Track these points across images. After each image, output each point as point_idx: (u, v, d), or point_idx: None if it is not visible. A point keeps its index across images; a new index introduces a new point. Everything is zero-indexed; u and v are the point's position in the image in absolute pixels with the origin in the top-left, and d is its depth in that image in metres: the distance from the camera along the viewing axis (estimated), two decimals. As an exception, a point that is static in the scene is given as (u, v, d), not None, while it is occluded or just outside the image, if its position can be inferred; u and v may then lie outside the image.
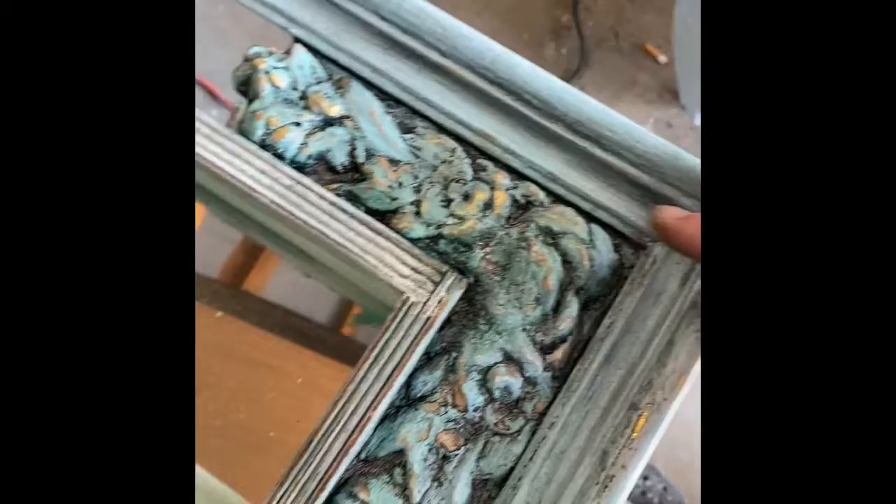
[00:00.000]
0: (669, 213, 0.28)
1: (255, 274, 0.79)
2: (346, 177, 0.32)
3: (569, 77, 1.39)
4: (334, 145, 0.32)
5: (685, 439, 1.03)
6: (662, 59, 1.40)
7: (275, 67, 0.32)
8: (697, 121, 1.11)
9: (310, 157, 0.31)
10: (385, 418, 0.29)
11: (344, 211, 0.30)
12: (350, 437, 0.28)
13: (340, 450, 0.28)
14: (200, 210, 0.51)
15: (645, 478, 1.09)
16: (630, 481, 0.27)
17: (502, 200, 0.31)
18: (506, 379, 0.29)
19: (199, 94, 1.18)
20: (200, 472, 0.43)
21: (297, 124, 0.31)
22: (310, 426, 0.28)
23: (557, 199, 0.31)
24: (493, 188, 0.31)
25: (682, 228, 0.27)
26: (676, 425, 0.25)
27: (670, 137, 1.36)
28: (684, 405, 0.28)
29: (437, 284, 0.29)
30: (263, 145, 0.31)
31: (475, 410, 0.29)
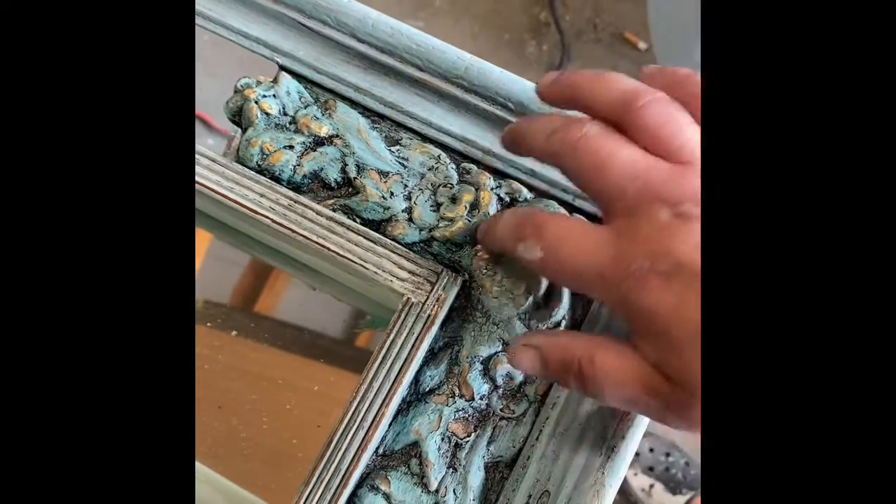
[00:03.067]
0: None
1: (265, 295, 0.81)
2: (341, 192, 0.34)
3: (552, 72, 1.41)
4: (326, 163, 0.34)
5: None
6: (642, 45, 1.42)
7: (264, 96, 0.34)
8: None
9: (304, 176, 0.33)
10: (398, 414, 0.31)
11: (341, 224, 0.32)
12: (367, 433, 0.30)
13: (359, 446, 0.30)
14: (205, 236, 0.53)
15: (667, 454, 1.11)
16: (630, 450, 0.29)
17: (488, 200, 0.33)
18: (507, 366, 0.31)
19: (196, 126, 1.21)
20: (225, 483, 0.45)
21: (290, 147, 0.33)
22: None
23: (540, 193, 0.33)
24: (478, 189, 0.33)
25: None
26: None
27: (657, 122, 1.38)
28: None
29: (433, 284, 0.31)
30: (260, 170, 0.33)
31: (481, 398, 0.31)
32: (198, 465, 0.42)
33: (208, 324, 0.64)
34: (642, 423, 0.29)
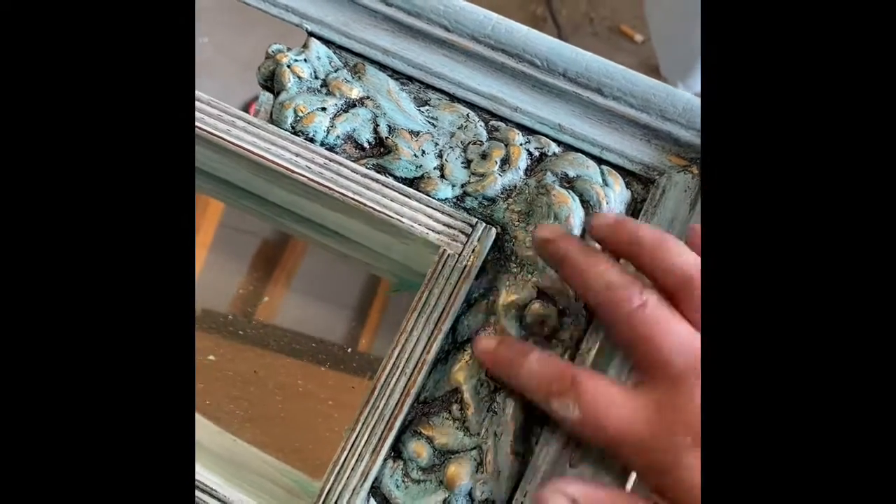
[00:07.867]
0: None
1: (265, 304, 0.81)
2: (373, 151, 0.35)
3: (550, 66, 1.42)
4: (359, 124, 0.34)
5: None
6: (639, 37, 1.43)
7: (295, 60, 0.35)
8: (680, 89, 1.14)
9: (338, 137, 0.34)
10: (437, 362, 0.32)
11: (376, 181, 0.33)
12: (409, 379, 0.31)
13: (402, 391, 0.30)
14: (203, 244, 0.54)
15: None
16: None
17: (518, 154, 0.33)
18: (541, 312, 0.31)
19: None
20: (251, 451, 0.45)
21: (323, 109, 0.34)
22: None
23: (568, 147, 0.34)
24: (507, 145, 0.34)
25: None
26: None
27: (656, 112, 1.39)
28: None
29: (468, 236, 0.32)
30: (295, 131, 0.34)
31: (518, 345, 0.32)
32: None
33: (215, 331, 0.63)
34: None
